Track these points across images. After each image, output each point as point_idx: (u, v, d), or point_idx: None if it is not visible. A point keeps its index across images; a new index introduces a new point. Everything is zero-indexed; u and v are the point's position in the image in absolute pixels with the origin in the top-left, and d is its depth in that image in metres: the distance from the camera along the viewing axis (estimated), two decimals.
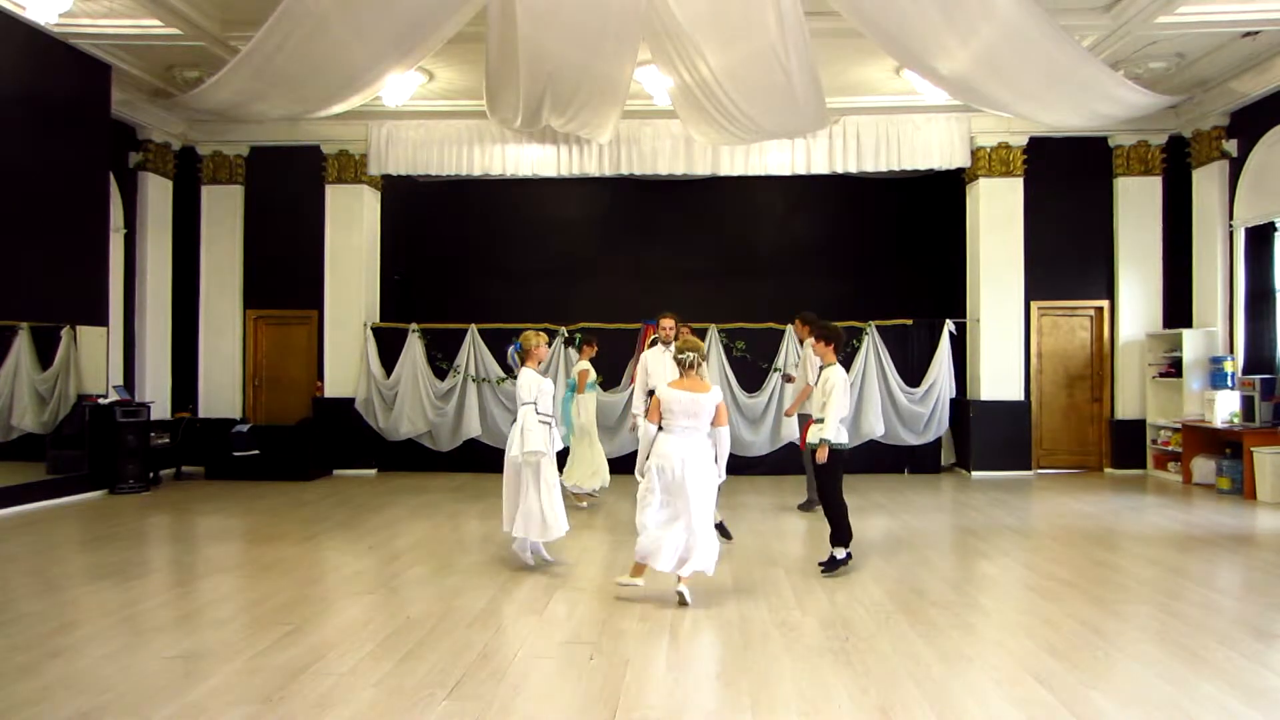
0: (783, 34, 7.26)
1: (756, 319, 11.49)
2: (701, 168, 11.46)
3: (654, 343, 7.89)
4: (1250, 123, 10.00)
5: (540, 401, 6.13)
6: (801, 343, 8.70)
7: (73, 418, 9.44)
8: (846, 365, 10.99)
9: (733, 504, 8.68)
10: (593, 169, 11.54)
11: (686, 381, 5.35)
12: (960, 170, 11.51)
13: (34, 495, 8.74)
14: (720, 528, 6.86)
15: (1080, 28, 8.57)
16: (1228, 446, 9.69)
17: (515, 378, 6.41)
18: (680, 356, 5.43)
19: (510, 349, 6.52)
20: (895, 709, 3.71)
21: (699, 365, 5.39)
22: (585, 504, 8.76)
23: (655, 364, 7.41)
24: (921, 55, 7.92)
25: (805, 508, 8.50)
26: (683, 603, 5.19)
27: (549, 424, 6.18)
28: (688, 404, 5.23)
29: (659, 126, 11.27)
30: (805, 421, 7.27)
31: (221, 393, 11.80)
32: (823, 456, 6.03)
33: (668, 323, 7.62)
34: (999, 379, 11.22)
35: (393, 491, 9.93)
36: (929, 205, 13.36)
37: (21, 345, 8.97)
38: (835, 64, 9.60)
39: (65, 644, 4.51)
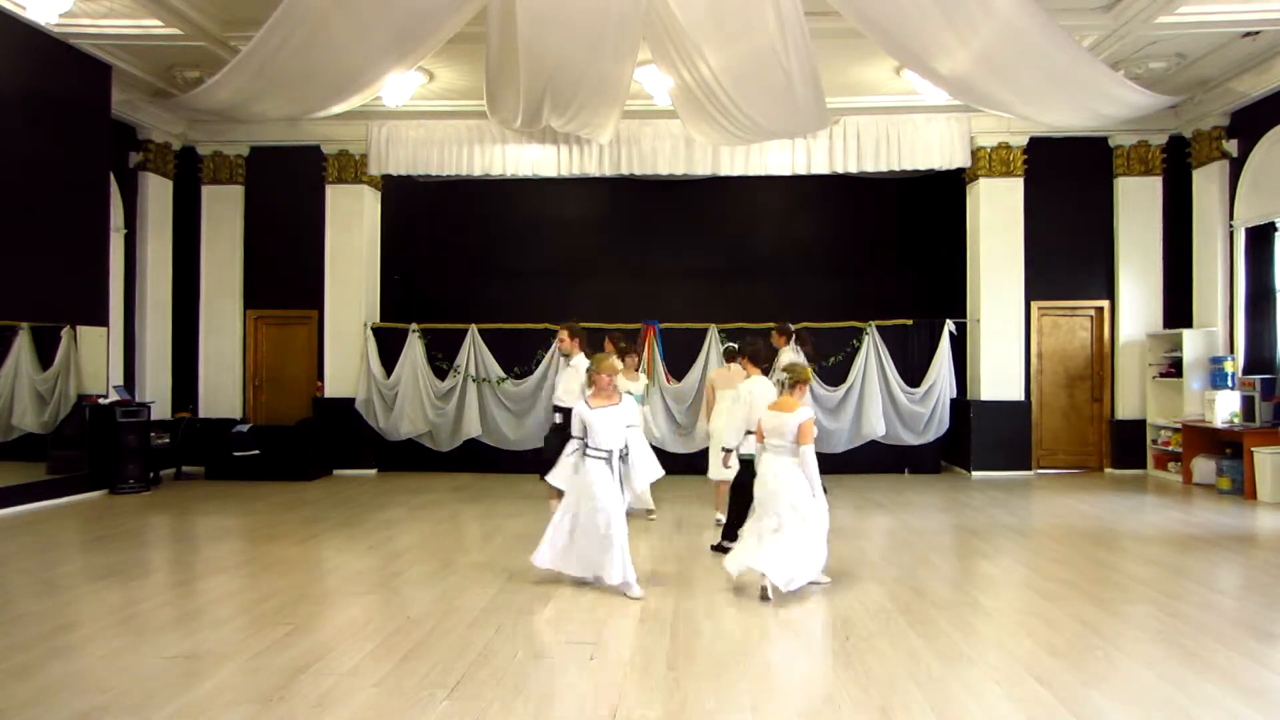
0: (783, 34, 7.26)
1: (756, 319, 11.48)
2: (701, 168, 11.46)
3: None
4: (1250, 123, 10.00)
5: (592, 436, 5.59)
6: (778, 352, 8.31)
7: (73, 418, 9.44)
8: (848, 365, 11.06)
9: None
10: (593, 169, 11.54)
11: (780, 401, 5.76)
12: (960, 170, 11.51)
13: (34, 495, 8.74)
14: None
15: (1080, 28, 8.57)
16: (1228, 446, 9.69)
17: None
18: (779, 377, 5.88)
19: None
20: (895, 709, 3.71)
21: (791, 387, 5.80)
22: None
23: (565, 377, 7.27)
24: (921, 55, 7.92)
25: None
26: (764, 597, 5.31)
27: (604, 458, 5.58)
28: (773, 422, 5.59)
29: (659, 126, 11.27)
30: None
31: (221, 393, 11.80)
32: (727, 461, 6.45)
33: (562, 333, 7.30)
34: (999, 379, 11.22)
35: (393, 491, 9.93)
36: (929, 205, 13.36)
37: (21, 345, 8.96)
38: (835, 64, 9.60)
39: (65, 644, 4.51)
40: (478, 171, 11.68)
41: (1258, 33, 8.64)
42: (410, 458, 11.52)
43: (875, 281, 13.54)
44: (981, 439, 11.14)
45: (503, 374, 11.30)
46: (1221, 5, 8.22)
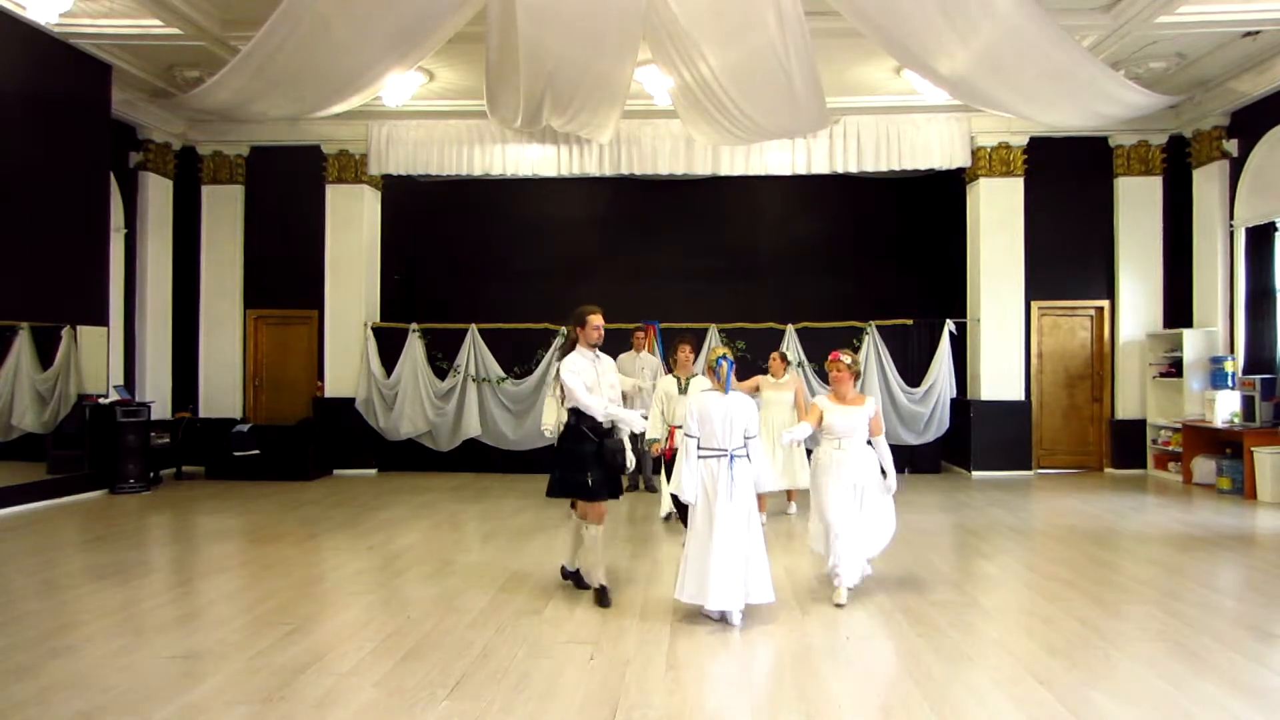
0: (783, 34, 7.26)
1: (756, 319, 11.49)
2: (701, 168, 11.46)
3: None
4: (1250, 122, 10.00)
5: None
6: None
7: (73, 418, 9.44)
8: None
9: None
10: (593, 169, 11.54)
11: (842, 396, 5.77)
12: (960, 170, 11.51)
13: (34, 495, 8.74)
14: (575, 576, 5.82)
15: (1080, 28, 8.57)
16: (1228, 446, 9.69)
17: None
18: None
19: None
20: (895, 709, 3.71)
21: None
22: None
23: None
24: (921, 55, 7.92)
25: None
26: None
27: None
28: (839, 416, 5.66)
29: (659, 126, 11.27)
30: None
31: (221, 393, 11.80)
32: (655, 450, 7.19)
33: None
34: (999, 379, 11.22)
35: (393, 491, 9.93)
36: (929, 205, 13.36)
37: (21, 345, 8.96)
38: (835, 64, 9.60)
39: (65, 644, 4.51)
40: (478, 171, 11.67)
41: (1258, 33, 8.64)
42: (410, 458, 11.52)
43: (875, 281, 13.53)
44: (981, 439, 11.13)
45: (503, 374, 11.31)
46: (1221, 5, 8.22)
